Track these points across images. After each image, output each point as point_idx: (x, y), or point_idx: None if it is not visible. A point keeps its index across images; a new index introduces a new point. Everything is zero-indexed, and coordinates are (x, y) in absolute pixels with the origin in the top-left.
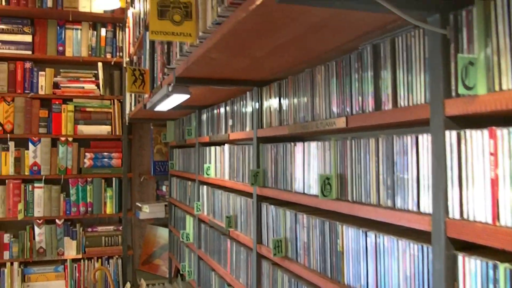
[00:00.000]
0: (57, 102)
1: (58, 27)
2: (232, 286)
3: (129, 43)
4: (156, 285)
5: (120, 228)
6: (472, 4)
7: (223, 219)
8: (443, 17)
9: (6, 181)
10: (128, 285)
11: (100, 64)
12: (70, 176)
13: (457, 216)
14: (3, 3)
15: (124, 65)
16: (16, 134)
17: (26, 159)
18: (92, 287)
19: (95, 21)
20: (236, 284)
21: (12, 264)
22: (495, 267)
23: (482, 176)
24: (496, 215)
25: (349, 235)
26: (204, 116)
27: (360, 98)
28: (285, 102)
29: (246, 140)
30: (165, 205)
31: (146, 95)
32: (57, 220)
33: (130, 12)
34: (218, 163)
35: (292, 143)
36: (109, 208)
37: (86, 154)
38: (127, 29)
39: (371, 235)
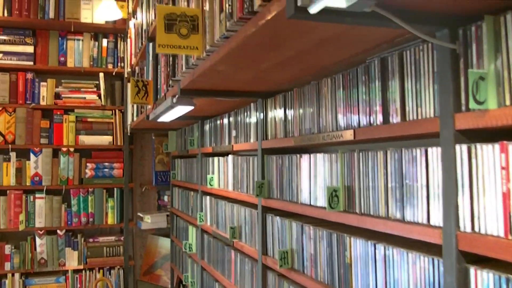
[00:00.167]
0: (58, 113)
1: (59, 38)
2: None
3: (131, 54)
4: None
5: (122, 238)
6: (481, 19)
7: (227, 230)
8: (452, 32)
9: (8, 191)
10: None
11: (101, 75)
12: (71, 186)
13: (468, 229)
14: (5, 14)
15: (126, 75)
16: (18, 144)
17: (28, 170)
18: None
19: (96, 31)
20: None
21: (13, 275)
22: (508, 281)
23: (494, 190)
24: (508, 229)
25: (358, 247)
26: (206, 127)
27: (367, 110)
28: (290, 113)
29: (250, 151)
30: (167, 215)
31: (149, 106)
32: (58, 231)
33: (132, 23)
34: (222, 173)
35: (298, 155)
36: (111, 219)
37: (88, 164)
38: (128, 40)
39: (380, 247)
